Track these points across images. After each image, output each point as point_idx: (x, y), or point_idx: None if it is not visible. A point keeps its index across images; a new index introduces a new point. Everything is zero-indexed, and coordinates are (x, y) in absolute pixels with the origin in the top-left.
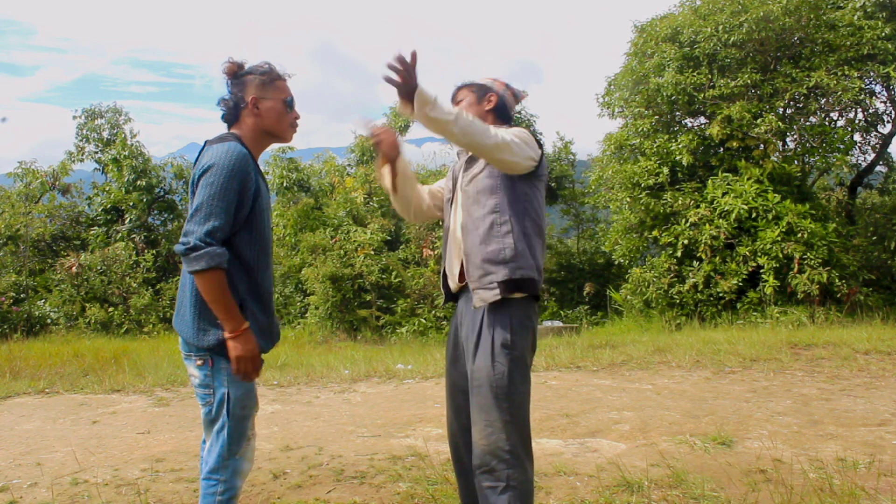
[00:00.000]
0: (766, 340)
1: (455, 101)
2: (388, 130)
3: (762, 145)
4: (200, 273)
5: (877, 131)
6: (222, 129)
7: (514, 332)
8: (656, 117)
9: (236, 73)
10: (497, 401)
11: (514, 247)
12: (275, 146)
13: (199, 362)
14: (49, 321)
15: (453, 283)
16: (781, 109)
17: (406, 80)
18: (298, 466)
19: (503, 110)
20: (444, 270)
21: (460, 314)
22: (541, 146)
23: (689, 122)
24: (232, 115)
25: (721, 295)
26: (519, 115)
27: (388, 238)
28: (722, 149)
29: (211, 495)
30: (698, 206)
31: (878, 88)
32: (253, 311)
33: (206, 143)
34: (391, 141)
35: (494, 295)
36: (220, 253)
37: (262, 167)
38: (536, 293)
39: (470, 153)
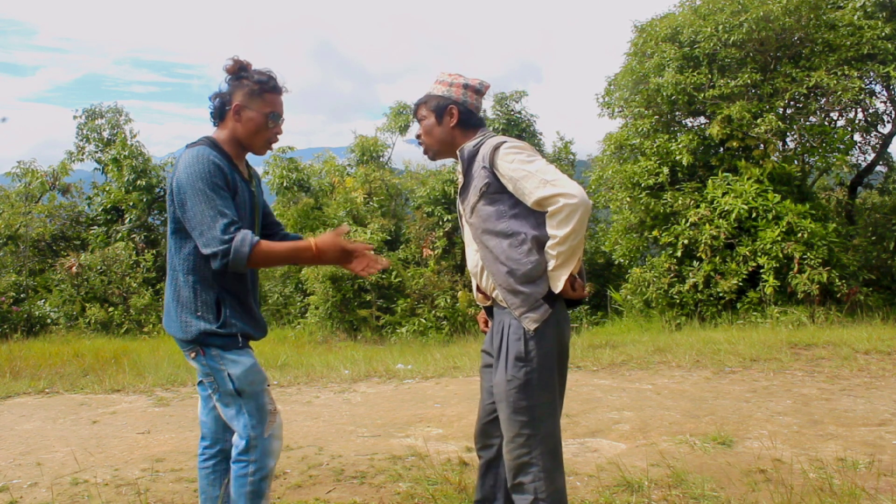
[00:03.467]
0: (766, 340)
1: (418, 118)
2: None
3: (762, 145)
4: (250, 264)
5: (877, 131)
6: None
7: (528, 343)
8: (656, 117)
9: (235, 73)
10: (516, 415)
11: (539, 261)
12: (274, 146)
13: (192, 355)
14: (49, 321)
15: (480, 300)
16: (781, 109)
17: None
18: (298, 466)
19: (468, 119)
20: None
21: (493, 322)
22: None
23: (689, 122)
24: (218, 114)
25: (721, 295)
26: (519, 116)
27: (388, 238)
28: (722, 149)
29: (242, 477)
30: (698, 206)
31: (878, 88)
32: (231, 304)
33: (186, 146)
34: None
35: (545, 311)
36: (241, 240)
37: (262, 167)
38: (561, 311)
39: (460, 185)
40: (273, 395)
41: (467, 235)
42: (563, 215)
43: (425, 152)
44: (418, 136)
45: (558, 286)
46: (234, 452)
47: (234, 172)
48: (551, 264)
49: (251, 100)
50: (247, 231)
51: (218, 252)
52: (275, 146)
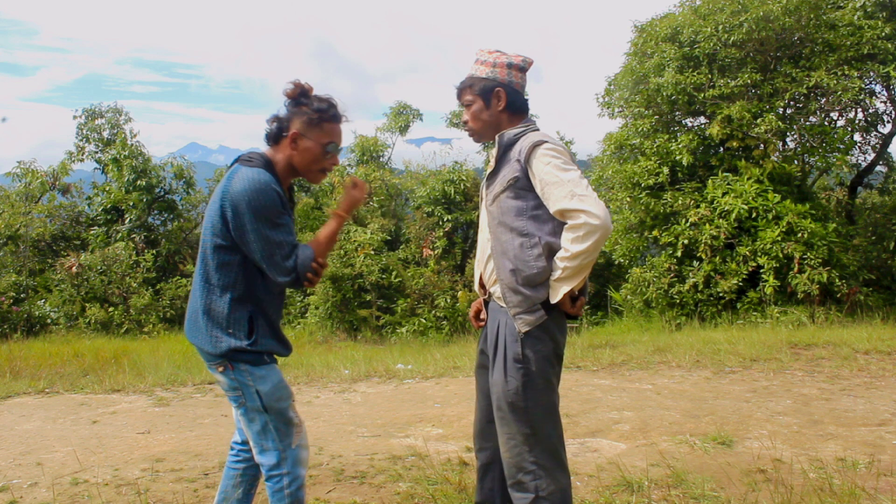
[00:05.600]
0: (766, 340)
1: (463, 103)
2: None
3: (762, 145)
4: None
5: (877, 131)
6: (224, 129)
7: (526, 345)
8: (656, 117)
9: (295, 99)
10: (515, 415)
11: (546, 268)
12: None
13: (220, 369)
14: (49, 321)
15: (479, 292)
16: (781, 109)
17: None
18: None
19: (515, 100)
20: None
21: (488, 321)
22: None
23: (689, 122)
24: (273, 137)
25: (721, 295)
26: None
27: (388, 238)
28: (722, 149)
29: (279, 492)
30: (698, 206)
31: (878, 88)
32: (262, 323)
33: (237, 159)
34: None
35: (541, 317)
36: (303, 261)
37: None
38: (558, 318)
39: (489, 171)
40: (297, 409)
41: (483, 221)
42: (581, 232)
43: (471, 135)
44: (465, 122)
45: (556, 297)
46: (264, 471)
47: (286, 199)
48: (556, 274)
49: (309, 129)
50: (301, 248)
51: (288, 281)
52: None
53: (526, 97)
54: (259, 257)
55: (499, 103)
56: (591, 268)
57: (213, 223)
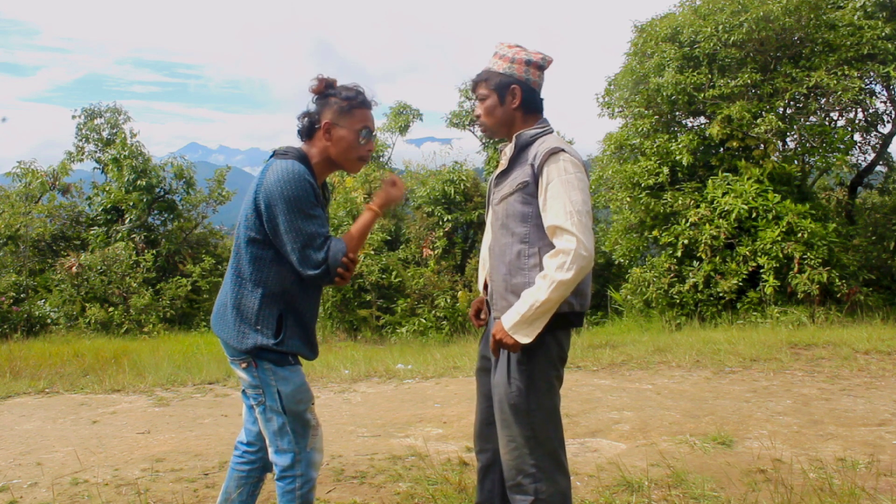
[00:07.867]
0: (766, 340)
1: (477, 96)
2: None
3: (762, 145)
4: (349, 265)
5: (877, 131)
6: (224, 129)
7: (531, 348)
8: (656, 117)
9: (322, 92)
10: (516, 417)
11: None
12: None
13: (243, 365)
14: (49, 321)
15: (482, 290)
16: (781, 109)
17: (510, 346)
18: None
19: (531, 100)
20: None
21: (490, 322)
22: (586, 171)
23: (689, 122)
24: (306, 133)
25: (721, 295)
26: None
27: (388, 238)
28: (722, 149)
29: (290, 493)
30: (698, 206)
31: (878, 88)
32: (293, 323)
33: (273, 153)
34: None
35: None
36: (334, 254)
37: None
38: (562, 326)
39: (500, 169)
40: (316, 412)
41: (489, 218)
42: (569, 259)
43: (483, 131)
44: (477, 116)
45: (527, 338)
46: (277, 470)
47: (319, 191)
48: (528, 303)
49: (341, 117)
50: (334, 241)
51: (318, 274)
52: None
53: (542, 97)
54: (289, 249)
55: (513, 101)
56: (553, 311)
57: (246, 216)
